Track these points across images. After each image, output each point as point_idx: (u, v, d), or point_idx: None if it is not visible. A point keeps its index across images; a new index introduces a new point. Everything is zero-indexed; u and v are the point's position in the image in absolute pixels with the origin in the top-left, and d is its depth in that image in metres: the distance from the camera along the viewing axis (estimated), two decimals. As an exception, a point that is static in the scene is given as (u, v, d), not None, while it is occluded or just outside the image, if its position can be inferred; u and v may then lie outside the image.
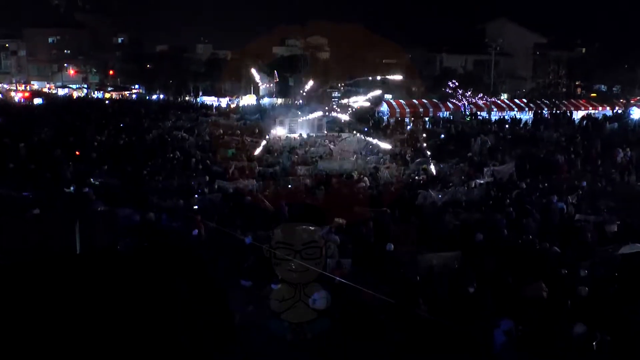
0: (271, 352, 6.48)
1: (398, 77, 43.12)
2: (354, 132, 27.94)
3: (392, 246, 9.58)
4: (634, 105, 37.66)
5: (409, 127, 33.13)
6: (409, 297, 7.36)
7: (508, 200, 14.24)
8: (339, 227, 10.68)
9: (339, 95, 47.12)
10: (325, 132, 29.09)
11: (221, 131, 29.13)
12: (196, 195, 14.54)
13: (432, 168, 19.38)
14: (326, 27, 55.68)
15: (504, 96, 49.89)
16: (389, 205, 13.61)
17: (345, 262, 8.98)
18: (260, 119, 33.17)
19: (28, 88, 64.20)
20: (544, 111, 39.02)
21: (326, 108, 34.07)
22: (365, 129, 30.12)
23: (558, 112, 38.44)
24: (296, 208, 12.81)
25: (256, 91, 56.22)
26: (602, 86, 53.34)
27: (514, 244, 10.49)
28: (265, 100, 50.60)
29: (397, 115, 37.13)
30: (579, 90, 54.45)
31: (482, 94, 42.45)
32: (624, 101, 41.54)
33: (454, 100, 40.85)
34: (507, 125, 32.74)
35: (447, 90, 42.62)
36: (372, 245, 10.32)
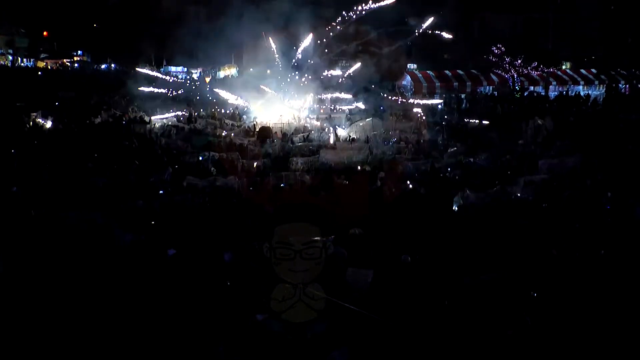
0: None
1: (425, 41, 43.08)
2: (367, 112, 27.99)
3: (409, 258, 9.77)
4: None
5: (440, 106, 33.21)
6: (440, 329, 7.45)
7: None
8: (356, 238, 10.81)
9: (348, 65, 47.14)
10: (329, 112, 29.16)
11: (194, 113, 29.29)
12: (160, 193, 14.63)
13: (471, 160, 19.45)
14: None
15: (566, 65, 49.85)
16: (412, 208, 13.63)
17: (356, 283, 9.02)
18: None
19: None
20: (619, 85, 39.01)
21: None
22: (382, 109, 30.17)
23: (639, 85, 38.43)
24: (290, 213, 12.81)
25: (238, 59, 56.25)
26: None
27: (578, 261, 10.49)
28: (250, 71, 50.56)
29: (424, 90, 37.28)
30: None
31: (536, 63, 42.45)
32: None
33: (500, 72, 40.89)
34: (570, 104, 32.71)
35: (491, 58, 42.62)
36: (393, 261, 10.36)
